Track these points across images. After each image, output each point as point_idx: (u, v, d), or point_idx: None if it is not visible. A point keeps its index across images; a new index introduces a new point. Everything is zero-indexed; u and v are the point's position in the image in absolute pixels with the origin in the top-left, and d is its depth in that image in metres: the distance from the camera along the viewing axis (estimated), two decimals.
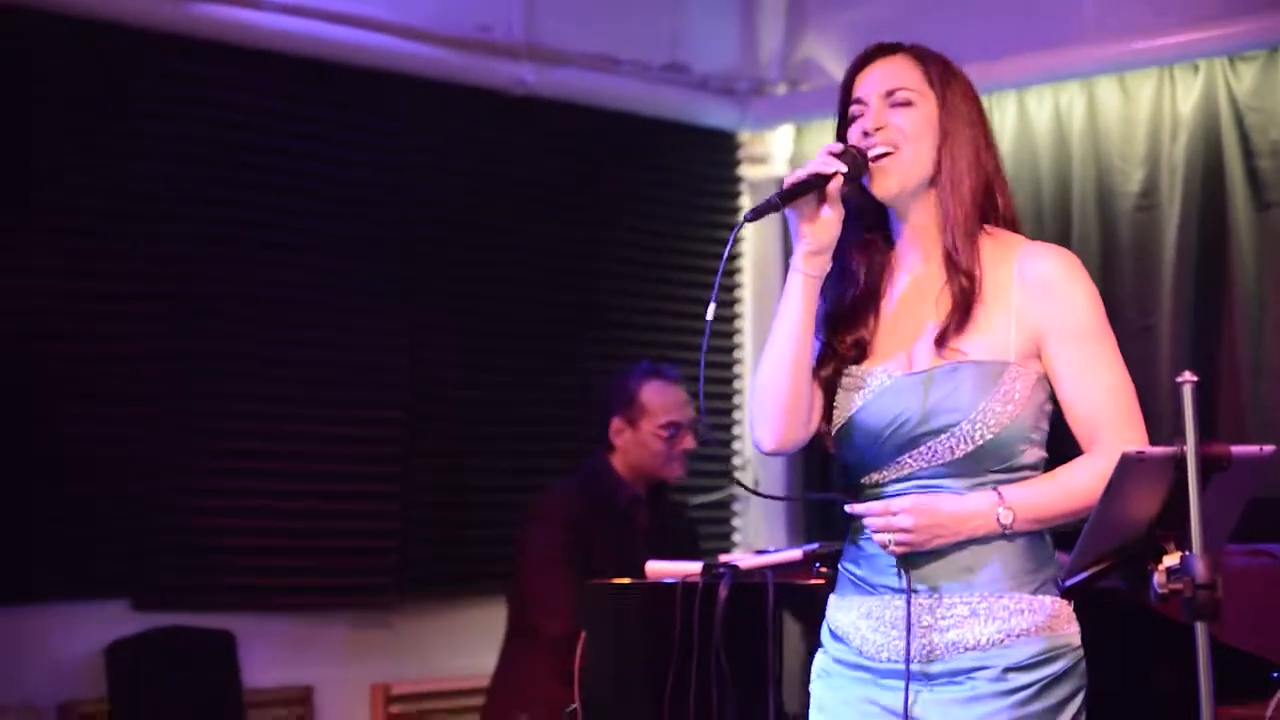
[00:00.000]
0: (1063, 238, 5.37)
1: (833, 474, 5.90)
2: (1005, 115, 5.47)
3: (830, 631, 2.72)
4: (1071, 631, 2.61)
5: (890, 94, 2.64)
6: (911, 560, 2.60)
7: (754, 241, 6.16)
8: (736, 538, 6.06)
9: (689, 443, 4.67)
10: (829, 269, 2.64)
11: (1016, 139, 5.48)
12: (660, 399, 4.63)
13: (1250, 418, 5.06)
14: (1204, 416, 5.05)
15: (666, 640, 3.75)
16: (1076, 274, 2.64)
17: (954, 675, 2.58)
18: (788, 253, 5.98)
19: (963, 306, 2.61)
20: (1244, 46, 5.10)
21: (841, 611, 2.69)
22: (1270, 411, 5.02)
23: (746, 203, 6.15)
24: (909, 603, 2.58)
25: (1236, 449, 2.34)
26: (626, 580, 3.92)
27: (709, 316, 2.58)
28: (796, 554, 3.81)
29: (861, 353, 2.67)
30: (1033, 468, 2.62)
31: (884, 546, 2.58)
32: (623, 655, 3.87)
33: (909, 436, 2.59)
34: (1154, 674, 3.88)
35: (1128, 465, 2.33)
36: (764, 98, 6.06)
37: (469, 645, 5.18)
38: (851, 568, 2.69)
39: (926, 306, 2.65)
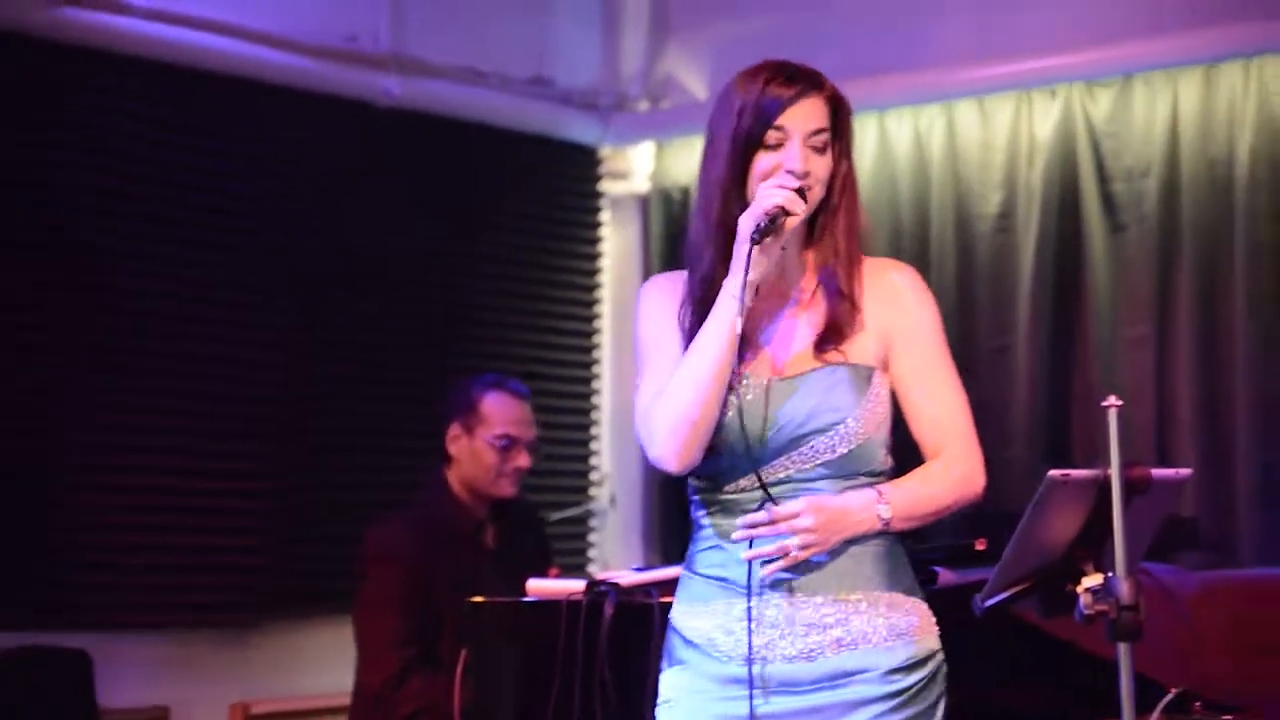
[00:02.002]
0: (921, 258, 5.46)
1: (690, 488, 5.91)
2: (865, 136, 5.53)
3: (688, 643, 2.69)
4: (936, 634, 2.69)
5: (813, 134, 2.66)
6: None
7: (613, 257, 6.16)
8: (593, 553, 6.05)
9: (523, 460, 4.57)
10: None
11: (876, 160, 5.55)
12: (501, 410, 4.55)
13: (1104, 439, 5.15)
14: (1058, 436, 5.23)
15: (550, 659, 3.73)
16: (921, 287, 2.77)
17: (836, 678, 2.61)
18: (647, 267, 6.08)
19: (845, 324, 2.68)
20: (1101, 73, 5.22)
21: (702, 618, 2.69)
22: (1124, 433, 5.11)
23: (607, 218, 6.15)
24: (749, 597, 2.61)
25: (1157, 472, 2.40)
26: (511, 599, 3.89)
27: (737, 329, 2.58)
28: (676, 571, 3.80)
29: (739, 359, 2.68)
30: (889, 473, 2.69)
31: (781, 554, 2.58)
32: (505, 674, 3.84)
33: (791, 436, 2.63)
34: (1024, 688, 3.95)
35: (1052, 486, 2.38)
36: (626, 113, 6.07)
37: (329, 664, 5.09)
38: (717, 571, 2.68)
39: (802, 324, 2.71)
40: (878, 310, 2.71)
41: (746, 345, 2.66)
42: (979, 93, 5.43)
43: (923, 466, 2.70)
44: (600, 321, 6.12)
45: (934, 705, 2.66)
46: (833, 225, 2.71)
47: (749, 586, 2.62)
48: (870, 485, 2.66)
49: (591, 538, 6.06)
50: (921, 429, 2.70)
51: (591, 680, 3.65)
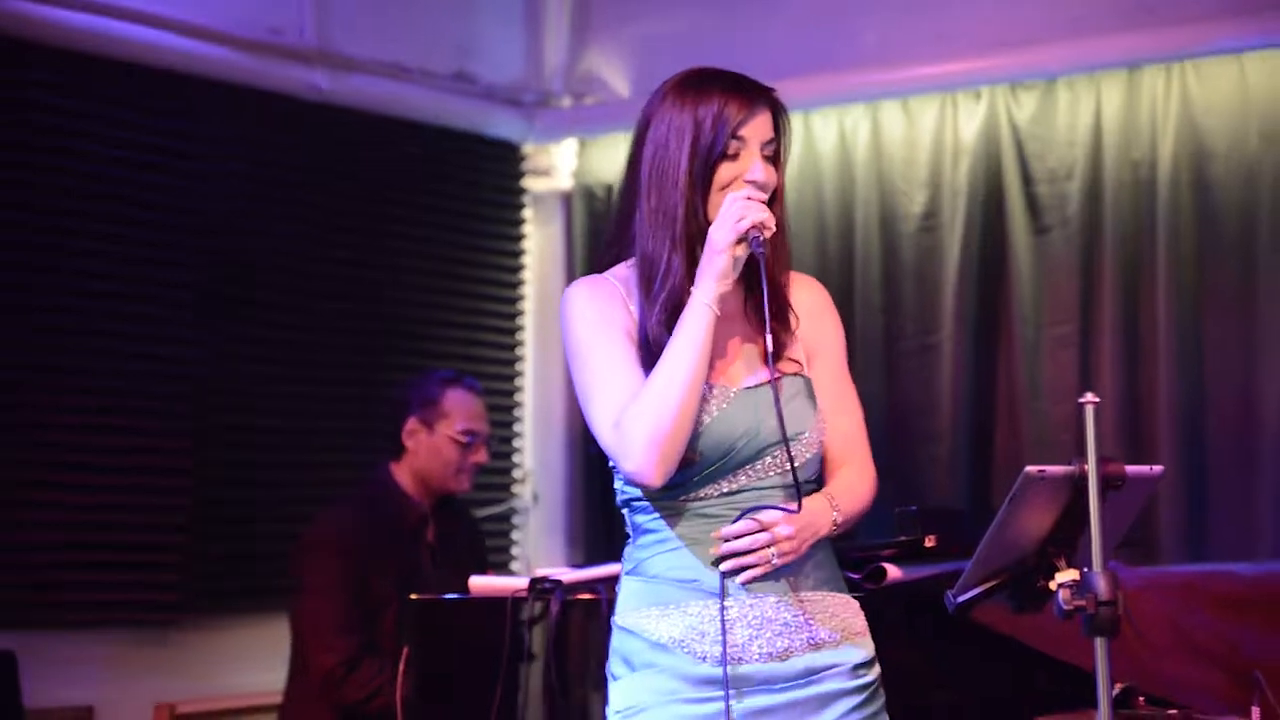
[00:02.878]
0: (846, 257, 5.50)
1: (613, 486, 5.91)
2: (791, 135, 5.55)
3: (656, 646, 2.67)
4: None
5: (765, 144, 2.70)
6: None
7: (536, 254, 6.14)
8: (516, 551, 6.03)
9: (482, 456, 4.65)
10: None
11: (802, 159, 5.57)
12: (462, 406, 4.60)
13: (1027, 436, 5.24)
14: (983, 434, 5.28)
15: (494, 656, 3.73)
16: (832, 302, 2.86)
17: (810, 674, 2.64)
18: (570, 264, 6.08)
19: (785, 327, 2.73)
20: (1025, 75, 5.28)
21: (670, 622, 2.67)
22: (1047, 430, 5.20)
23: (530, 215, 6.13)
24: (722, 598, 2.62)
25: (1131, 468, 2.42)
26: (455, 596, 3.88)
27: (769, 345, 2.61)
28: (617, 568, 3.81)
29: None
30: (818, 482, 2.74)
31: (761, 561, 2.60)
32: (449, 671, 3.83)
33: (761, 446, 2.65)
34: (968, 684, 3.99)
35: (1029, 483, 2.40)
36: (549, 110, 6.06)
37: (255, 662, 5.05)
38: (684, 573, 2.66)
39: (738, 324, 2.73)
40: (803, 324, 2.78)
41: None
42: (904, 93, 5.47)
43: (844, 473, 2.74)
44: (523, 319, 6.10)
45: (883, 707, 2.73)
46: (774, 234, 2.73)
47: (722, 589, 2.62)
48: (812, 493, 2.69)
49: (515, 535, 6.04)
50: (833, 439, 2.74)
51: (536, 677, 3.65)
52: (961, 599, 2.53)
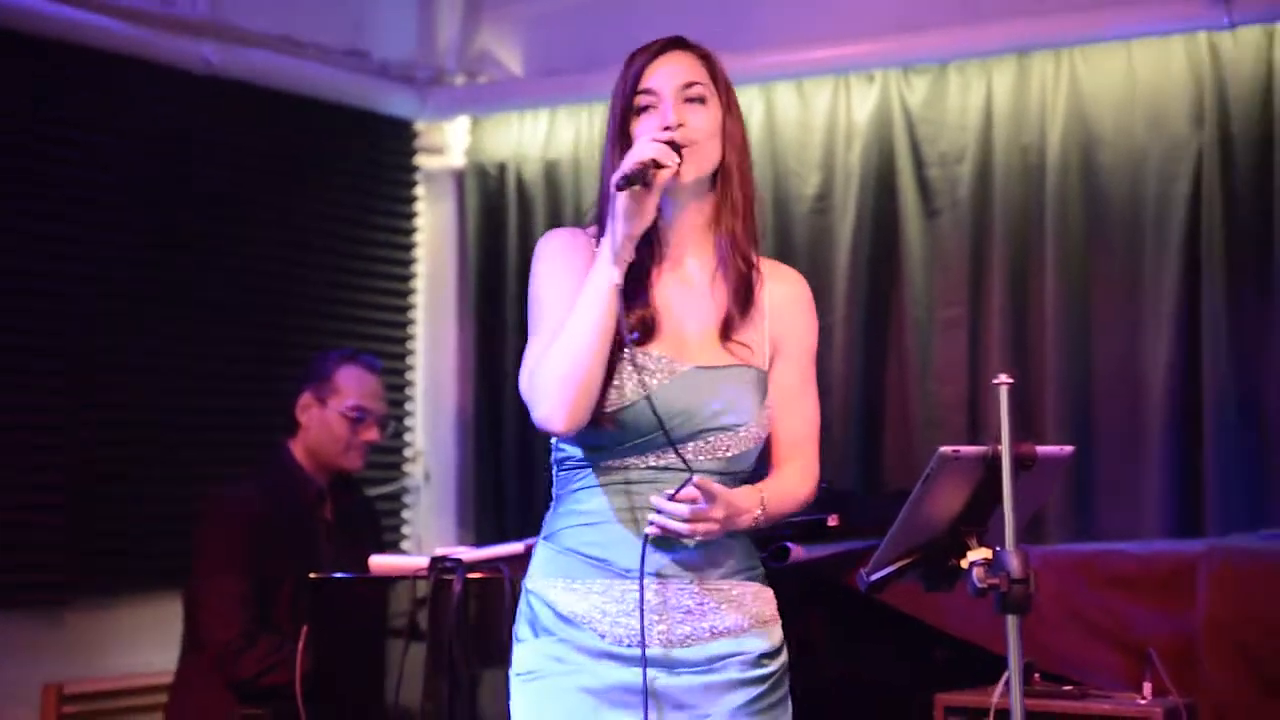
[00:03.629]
0: None
1: (505, 465, 5.92)
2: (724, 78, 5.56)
3: (561, 617, 2.67)
4: (780, 623, 2.75)
5: (686, 87, 2.67)
6: (666, 545, 2.63)
7: (428, 232, 6.11)
8: (407, 530, 6.01)
9: (373, 434, 4.63)
10: (632, 258, 2.67)
11: None
12: (355, 383, 4.58)
13: (917, 416, 5.30)
14: (874, 415, 5.34)
15: (393, 634, 3.72)
16: (811, 300, 2.82)
17: (711, 661, 2.64)
18: (462, 242, 6.06)
19: (743, 296, 2.69)
20: (917, 60, 5.33)
21: (575, 596, 2.67)
22: (937, 410, 5.26)
23: (422, 193, 6.10)
24: (641, 585, 2.61)
25: (1042, 449, 2.46)
26: (355, 575, 3.87)
27: (617, 280, 2.59)
28: (518, 547, 3.82)
29: (646, 334, 2.68)
30: (759, 475, 2.73)
31: (676, 535, 2.58)
32: (349, 650, 3.81)
33: (699, 428, 2.63)
34: (871, 662, 4.04)
35: (944, 462, 2.43)
36: (442, 88, 6.02)
37: (145, 643, 4.99)
38: (594, 550, 2.66)
39: (701, 297, 2.70)
40: (775, 317, 2.74)
41: (655, 320, 2.67)
42: (798, 75, 5.51)
43: (785, 472, 2.73)
44: (415, 297, 6.07)
45: (787, 695, 2.72)
46: (729, 189, 2.70)
47: (642, 570, 2.61)
48: (745, 483, 2.69)
49: (406, 514, 6.01)
50: (782, 438, 2.74)
51: (439, 655, 3.64)
52: (874, 577, 2.55)
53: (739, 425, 2.64)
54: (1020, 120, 5.19)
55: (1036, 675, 3.68)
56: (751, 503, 2.64)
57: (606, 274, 2.60)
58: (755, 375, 2.68)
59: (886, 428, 5.38)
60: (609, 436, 2.65)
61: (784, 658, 2.72)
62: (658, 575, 2.64)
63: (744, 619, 2.66)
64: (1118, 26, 5.01)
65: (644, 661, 2.61)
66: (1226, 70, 4.88)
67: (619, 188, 2.55)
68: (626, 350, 2.64)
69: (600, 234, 2.68)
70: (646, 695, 2.60)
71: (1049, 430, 5.05)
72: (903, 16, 5.34)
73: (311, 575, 3.89)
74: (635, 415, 2.63)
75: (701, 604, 2.64)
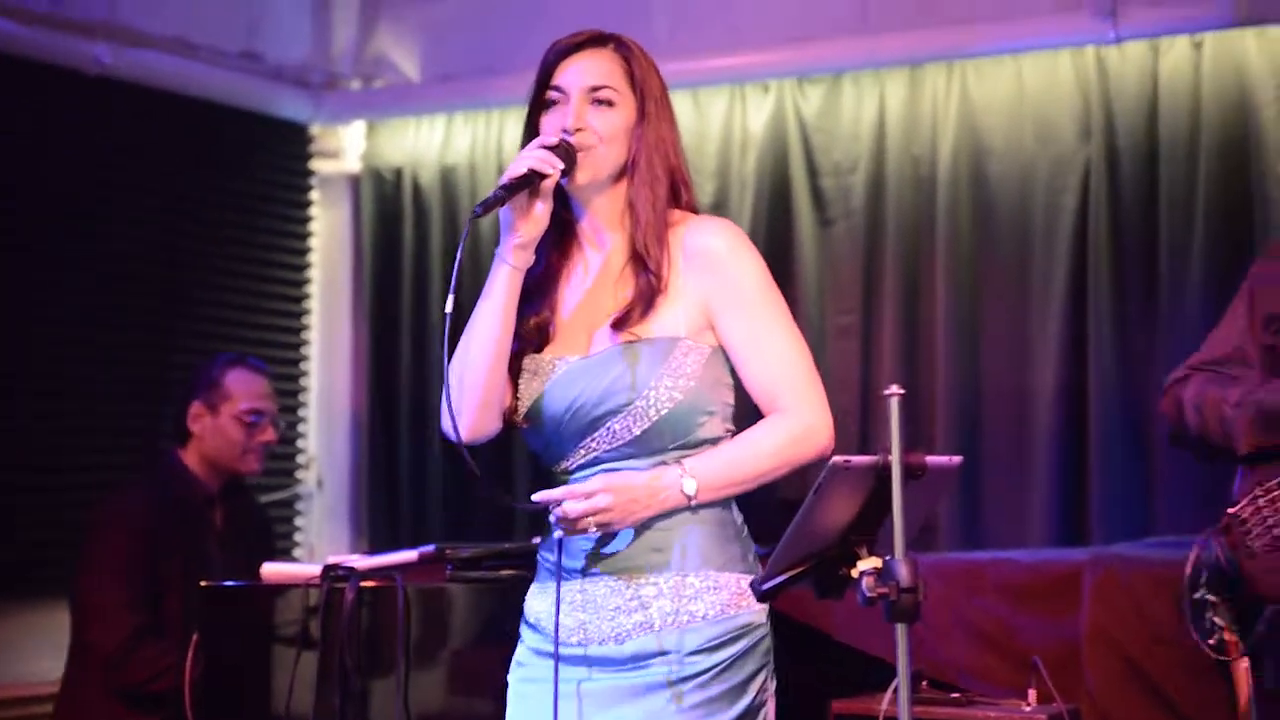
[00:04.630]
0: None
1: (399, 472, 5.89)
2: (646, 78, 5.57)
3: (525, 620, 2.74)
4: (756, 609, 2.66)
5: (593, 90, 2.66)
6: (604, 542, 2.64)
7: (323, 237, 6.08)
8: (299, 538, 5.97)
9: (269, 435, 4.59)
10: (532, 262, 2.67)
11: None
12: (245, 386, 4.55)
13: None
14: None
15: (285, 642, 3.69)
16: (739, 245, 2.69)
17: (639, 659, 2.63)
18: (357, 247, 6.03)
19: (645, 299, 2.64)
20: (811, 70, 5.38)
21: (536, 599, 2.73)
22: (835, 418, 5.28)
23: (317, 197, 6.06)
24: (559, 581, 2.64)
25: (932, 459, 2.48)
26: (246, 583, 3.84)
27: (448, 310, 2.55)
28: (412, 555, 3.81)
29: (544, 339, 2.69)
30: (713, 441, 2.66)
31: (582, 530, 2.59)
32: (239, 657, 3.78)
33: (587, 420, 2.63)
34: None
35: (835, 472, 2.44)
36: (337, 92, 6.00)
37: (32, 652, 4.92)
38: (548, 555, 2.71)
39: (606, 295, 2.69)
40: (693, 275, 2.64)
41: (557, 324, 2.68)
42: (694, 85, 5.53)
43: (745, 433, 2.65)
44: (309, 302, 6.04)
45: (744, 684, 2.65)
46: (635, 189, 2.66)
47: (558, 567, 2.65)
48: (684, 459, 2.63)
49: (298, 521, 5.98)
50: (754, 391, 2.66)
51: (330, 664, 3.62)
52: (767, 586, 2.55)
53: (627, 403, 2.60)
54: (912, 131, 5.25)
55: (925, 683, 3.72)
56: (668, 477, 2.59)
57: (493, 283, 2.63)
58: (645, 347, 2.62)
59: None
60: (533, 443, 2.70)
61: (734, 649, 2.63)
62: (584, 573, 2.65)
63: (673, 614, 2.62)
64: (1007, 40, 5.08)
65: (556, 659, 2.64)
66: (1113, 84, 4.96)
67: (476, 215, 2.56)
68: (526, 357, 2.66)
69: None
70: (557, 692, 2.63)
71: (939, 439, 5.11)
72: (797, 27, 5.38)
73: (202, 583, 3.86)
74: (534, 420, 2.67)
75: (630, 600, 2.63)
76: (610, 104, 2.66)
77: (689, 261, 2.65)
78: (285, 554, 5.73)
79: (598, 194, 2.69)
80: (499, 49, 5.67)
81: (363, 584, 3.65)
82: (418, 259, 5.86)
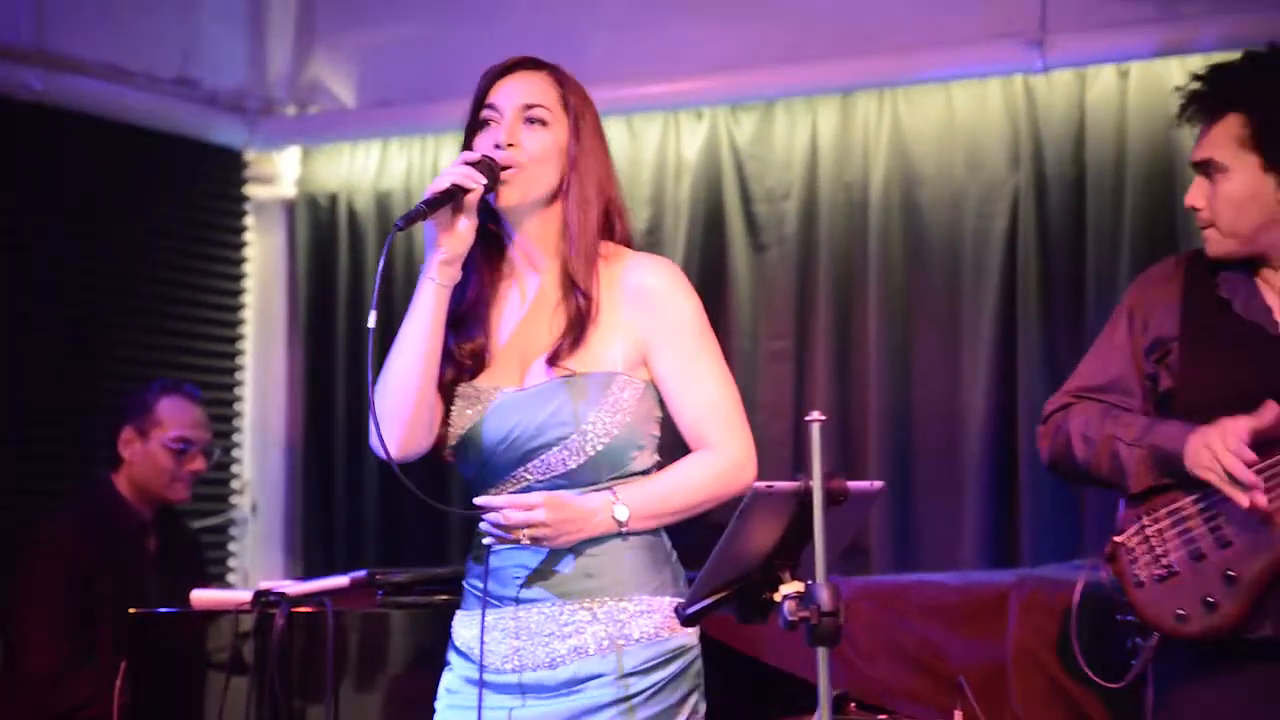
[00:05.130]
0: None
1: (334, 497, 5.88)
2: (578, 100, 5.59)
3: (454, 648, 2.76)
4: (688, 633, 2.73)
5: (527, 109, 2.70)
6: (537, 568, 2.67)
7: (258, 262, 6.08)
8: (234, 562, 5.96)
9: (199, 464, 4.61)
10: (459, 278, 2.69)
11: None
12: (176, 414, 4.56)
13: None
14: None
15: (216, 669, 3.69)
16: (678, 284, 2.75)
17: (574, 683, 2.67)
18: (292, 272, 6.02)
19: (577, 327, 2.68)
20: (745, 97, 5.43)
21: (464, 627, 2.75)
22: (763, 442, 5.28)
23: (252, 223, 6.06)
24: (483, 608, 2.67)
25: (853, 484, 2.51)
26: (176, 609, 3.83)
27: (370, 324, 2.58)
28: (343, 581, 3.82)
29: (479, 365, 2.72)
30: (644, 473, 2.73)
31: (514, 540, 2.62)
32: (169, 684, 3.77)
33: (522, 451, 2.67)
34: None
35: (757, 498, 2.47)
36: (273, 117, 6.00)
37: None
38: (476, 582, 2.73)
39: (542, 324, 2.73)
40: (631, 312, 2.70)
41: (492, 350, 2.70)
42: (628, 111, 5.57)
43: (675, 466, 2.73)
44: (244, 327, 6.03)
45: (679, 705, 2.71)
46: (567, 211, 2.71)
47: (485, 593, 2.67)
48: (616, 486, 2.69)
49: (233, 546, 5.96)
50: (683, 426, 2.74)
51: (260, 690, 3.62)
52: (691, 610, 2.58)
53: (562, 438, 2.65)
54: (844, 158, 5.29)
55: (853, 705, 3.75)
56: (600, 503, 2.64)
57: (420, 299, 2.65)
58: (582, 382, 2.67)
59: None
60: (463, 470, 2.73)
61: (667, 672, 2.70)
62: (516, 600, 2.68)
63: (610, 639, 2.67)
64: (937, 68, 5.14)
65: (481, 686, 2.66)
66: (1041, 112, 5.02)
67: (398, 228, 2.59)
68: (461, 383, 2.68)
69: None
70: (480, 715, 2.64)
71: (871, 462, 5.15)
72: (731, 55, 5.43)
73: (131, 610, 3.85)
74: (468, 448, 2.69)
75: (565, 625, 2.67)
76: (543, 123, 2.71)
77: (628, 298, 2.71)
78: (220, 579, 5.72)
79: (530, 217, 2.72)
80: (434, 75, 5.69)
81: (293, 610, 3.66)
82: (353, 284, 5.87)
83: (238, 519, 5.98)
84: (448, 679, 2.78)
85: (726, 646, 3.76)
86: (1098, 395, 3.18)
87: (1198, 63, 4.61)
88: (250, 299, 6.05)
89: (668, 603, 2.71)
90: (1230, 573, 2.84)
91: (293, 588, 3.80)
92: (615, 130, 5.58)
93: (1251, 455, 2.87)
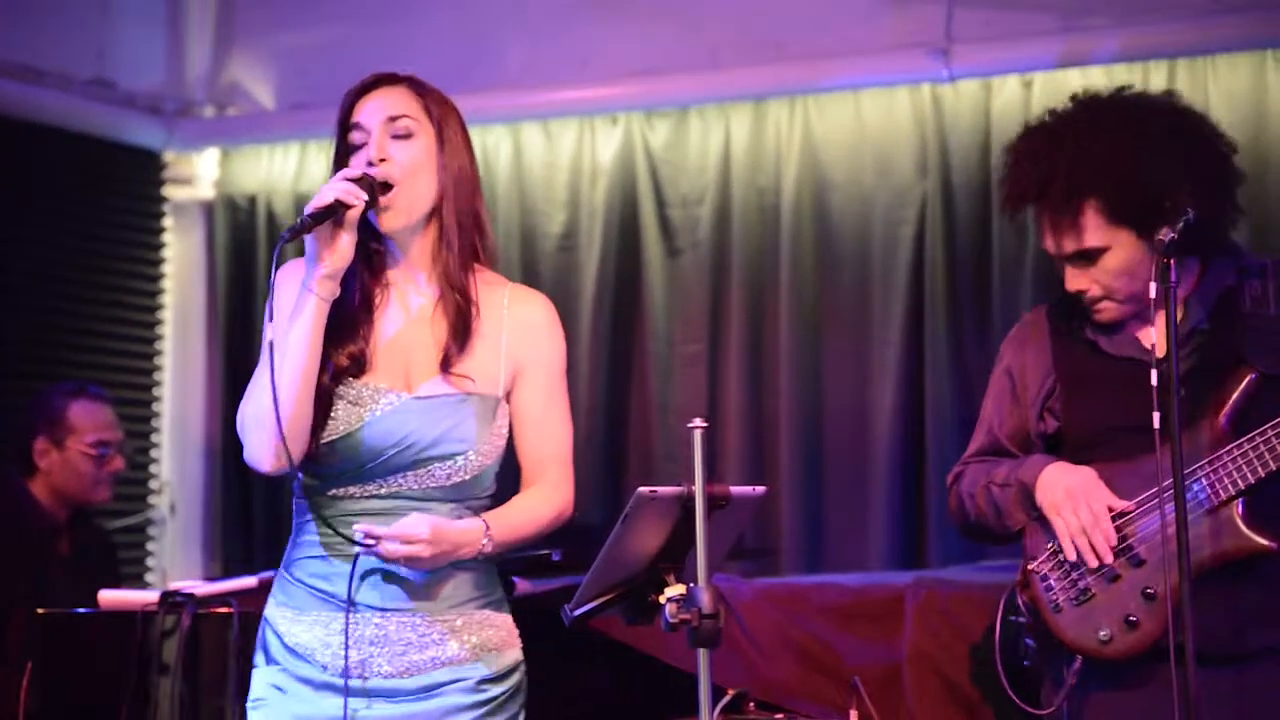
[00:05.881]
0: None
1: (252, 497, 5.90)
2: (440, 112, 5.62)
3: (287, 649, 2.76)
4: (519, 646, 2.86)
5: (392, 121, 2.76)
6: (392, 578, 2.73)
7: (177, 264, 6.09)
8: (151, 562, 5.97)
9: (118, 464, 4.63)
10: (339, 294, 2.74)
11: None
12: (90, 418, 4.56)
13: (658, 452, 5.43)
14: (617, 449, 5.45)
15: (123, 670, 3.72)
16: (556, 322, 2.89)
17: (430, 689, 2.73)
18: (211, 274, 6.03)
19: (461, 329, 2.76)
20: (659, 104, 5.48)
21: (301, 627, 2.77)
22: (677, 446, 5.39)
23: (171, 224, 6.07)
24: (350, 602, 2.71)
25: (735, 489, 2.58)
26: (84, 610, 3.86)
27: (269, 336, 2.64)
28: (251, 581, 3.86)
29: (359, 368, 2.75)
30: (493, 497, 2.83)
31: (388, 559, 2.68)
32: (76, 685, 3.80)
33: (413, 459, 2.72)
34: (594, 691, 4.13)
35: (642, 503, 2.53)
36: (191, 119, 6.01)
37: None
38: (320, 584, 2.75)
39: (424, 329, 2.79)
40: (513, 340, 2.81)
41: (373, 353, 2.74)
42: (545, 116, 5.62)
43: (525, 495, 2.85)
44: (163, 328, 6.04)
45: (518, 714, 2.84)
46: (443, 219, 2.78)
47: (350, 590, 2.71)
48: (476, 510, 2.78)
49: (151, 546, 5.97)
50: (528, 458, 2.85)
51: (168, 691, 3.66)
52: (577, 612, 2.64)
53: (458, 454, 2.73)
54: (757, 164, 5.36)
55: (751, 704, 3.81)
56: (473, 534, 2.72)
57: (301, 312, 2.68)
58: (480, 403, 2.76)
59: (628, 461, 5.50)
60: (330, 468, 2.74)
61: (511, 682, 2.81)
62: (380, 609, 2.73)
63: (466, 648, 2.76)
64: (847, 77, 5.22)
65: (345, 690, 2.70)
66: (948, 121, 5.11)
67: (284, 240, 2.65)
68: (342, 384, 2.71)
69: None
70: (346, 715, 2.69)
71: (782, 464, 5.22)
72: (645, 62, 5.48)
73: (40, 610, 3.88)
74: (349, 447, 2.72)
75: (424, 635, 2.74)
76: (410, 134, 2.76)
77: (511, 326, 2.81)
78: (137, 580, 5.73)
79: (412, 234, 2.79)
80: (353, 79, 5.59)
81: (200, 610, 3.69)
82: (271, 286, 5.88)
83: (156, 519, 5.99)
84: (276, 679, 2.77)
85: (623, 645, 3.82)
86: (990, 457, 3.25)
87: (1098, 74, 4.76)
88: (169, 300, 6.07)
89: (506, 619, 2.84)
90: (1149, 590, 2.91)
91: (201, 588, 3.84)
92: (532, 135, 5.64)
93: (1112, 535, 2.97)
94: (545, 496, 2.85)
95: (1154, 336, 3.02)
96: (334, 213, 2.67)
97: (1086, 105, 3.13)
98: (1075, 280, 3.08)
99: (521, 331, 2.82)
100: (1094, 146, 3.04)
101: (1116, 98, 3.14)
